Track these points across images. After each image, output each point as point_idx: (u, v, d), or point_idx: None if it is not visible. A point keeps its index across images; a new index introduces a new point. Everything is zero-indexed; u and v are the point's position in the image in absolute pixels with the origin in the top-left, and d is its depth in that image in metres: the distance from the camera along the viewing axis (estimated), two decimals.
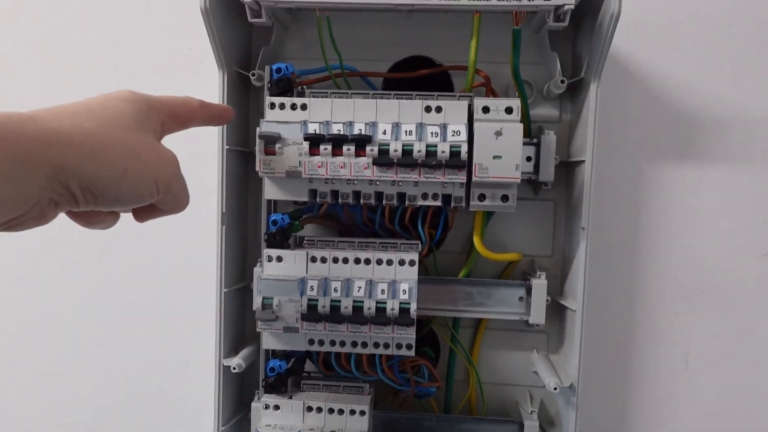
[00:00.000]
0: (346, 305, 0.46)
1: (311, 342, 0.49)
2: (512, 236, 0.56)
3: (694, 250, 0.57)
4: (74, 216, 0.32)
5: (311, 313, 0.46)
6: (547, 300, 0.51)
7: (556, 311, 0.55)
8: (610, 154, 0.56)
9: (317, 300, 0.46)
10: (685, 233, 0.56)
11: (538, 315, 0.51)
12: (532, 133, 0.52)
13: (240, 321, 0.57)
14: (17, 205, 0.26)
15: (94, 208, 0.30)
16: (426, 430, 0.54)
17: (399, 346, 0.48)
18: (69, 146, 0.27)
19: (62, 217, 0.30)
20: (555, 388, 0.49)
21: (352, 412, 0.49)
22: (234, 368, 0.51)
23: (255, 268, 0.49)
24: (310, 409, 0.50)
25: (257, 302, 0.47)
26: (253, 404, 0.52)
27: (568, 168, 0.54)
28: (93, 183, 0.28)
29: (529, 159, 0.51)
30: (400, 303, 0.46)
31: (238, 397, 0.57)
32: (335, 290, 0.47)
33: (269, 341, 0.49)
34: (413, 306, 0.46)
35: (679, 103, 0.56)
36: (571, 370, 0.51)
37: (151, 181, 0.31)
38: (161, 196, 0.32)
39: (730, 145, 0.56)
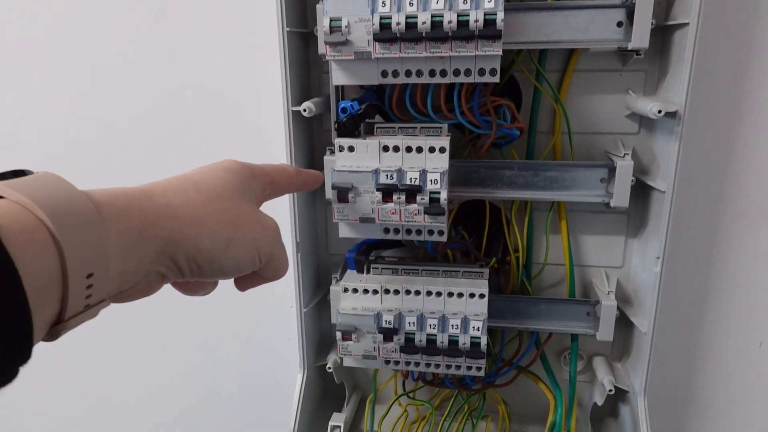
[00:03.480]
0: (424, 20, 0.41)
1: (384, 74, 0.45)
2: None
3: None
4: (176, 285, 0.32)
5: (384, 32, 0.42)
6: (652, 23, 0.44)
7: (659, 39, 0.48)
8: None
9: (390, 16, 0.41)
10: None
11: (640, 37, 0.44)
12: None
13: (305, 74, 0.54)
14: (128, 279, 0.26)
15: (198, 279, 0.30)
16: (507, 179, 0.51)
17: (482, 72, 0.43)
18: (177, 220, 0.27)
19: None
20: (659, 112, 0.44)
21: (432, 149, 0.46)
22: (304, 110, 0.49)
23: (318, 5, 0.44)
24: (386, 148, 0.47)
25: (325, 24, 0.42)
26: (325, 158, 0.51)
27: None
28: (199, 255, 0.28)
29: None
30: (485, 13, 0.40)
31: (309, 153, 0.56)
32: (410, 4, 0.41)
33: (339, 76, 0.45)
34: (500, 15, 0.40)
35: None
36: (677, 99, 0.45)
37: (254, 250, 0.31)
38: (263, 265, 0.32)
39: None
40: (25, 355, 0.20)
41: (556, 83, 0.52)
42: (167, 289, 0.31)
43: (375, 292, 0.51)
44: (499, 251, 0.56)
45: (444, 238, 0.48)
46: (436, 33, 0.41)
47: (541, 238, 0.56)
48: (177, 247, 0.27)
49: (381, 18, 0.42)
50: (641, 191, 0.51)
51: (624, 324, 0.56)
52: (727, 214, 0.55)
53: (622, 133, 0.52)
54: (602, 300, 0.52)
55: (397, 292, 0.51)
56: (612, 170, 0.49)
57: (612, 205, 0.49)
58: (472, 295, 0.50)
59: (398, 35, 0.42)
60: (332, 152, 0.50)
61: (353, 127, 0.48)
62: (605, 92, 0.51)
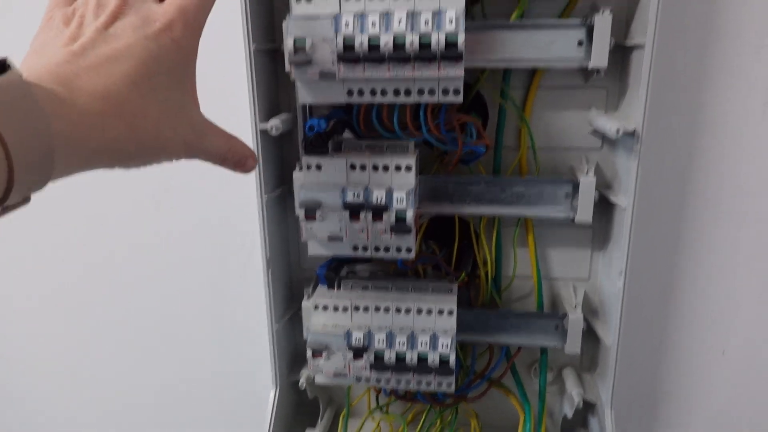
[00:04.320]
0: (386, 41, 0.41)
1: (350, 92, 0.45)
2: None
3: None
4: None
5: (348, 53, 0.42)
6: (611, 41, 0.45)
7: (619, 57, 0.50)
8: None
9: (354, 37, 0.42)
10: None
11: (599, 56, 0.45)
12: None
13: (273, 90, 0.54)
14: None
15: None
16: (475, 194, 0.52)
17: (446, 92, 0.44)
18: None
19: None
20: (618, 131, 0.45)
21: (398, 168, 0.47)
22: (271, 128, 0.49)
23: (284, 21, 0.45)
24: (353, 167, 0.47)
25: (289, 45, 0.43)
26: (294, 174, 0.51)
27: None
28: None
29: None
30: (447, 35, 0.41)
31: (279, 170, 0.56)
32: (373, 25, 0.42)
33: (305, 94, 0.46)
34: (461, 37, 0.41)
35: None
36: (636, 117, 0.47)
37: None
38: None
39: None
40: None
41: (521, 99, 0.53)
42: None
43: (345, 309, 0.51)
44: (468, 265, 0.56)
45: (412, 256, 0.48)
46: (399, 54, 0.42)
47: (509, 251, 0.56)
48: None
49: (345, 38, 0.42)
50: (605, 206, 0.52)
51: (592, 336, 0.56)
52: (688, 227, 0.57)
53: (587, 148, 0.53)
54: (569, 313, 0.53)
55: (366, 309, 0.51)
56: (576, 186, 0.50)
57: (576, 220, 0.50)
58: (440, 312, 0.50)
59: (362, 56, 0.42)
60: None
61: (321, 144, 0.48)
62: (569, 108, 0.52)
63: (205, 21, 0.33)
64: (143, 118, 0.29)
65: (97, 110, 0.27)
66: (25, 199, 0.25)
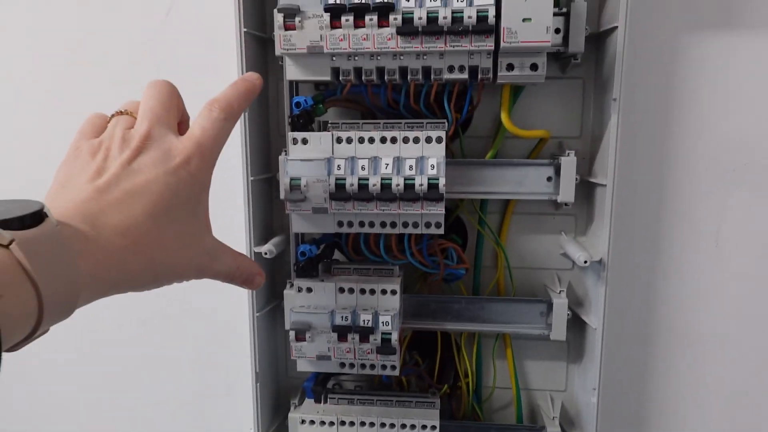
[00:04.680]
0: (374, 182, 0.46)
1: (340, 224, 0.49)
2: (540, 118, 0.55)
3: (729, 126, 0.55)
4: None
5: (339, 192, 0.46)
6: (577, 178, 0.51)
7: (585, 192, 0.55)
8: (644, 25, 0.53)
9: (345, 179, 0.46)
10: (720, 108, 0.54)
11: (567, 193, 0.50)
12: (561, 3, 0.50)
13: (268, 213, 0.58)
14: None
15: None
16: (455, 311, 0.55)
17: (428, 225, 0.48)
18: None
19: None
20: (585, 262, 0.49)
21: (384, 291, 0.50)
22: (265, 253, 0.52)
23: (280, 156, 0.49)
24: (341, 290, 0.51)
25: (285, 183, 0.47)
26: (285, 291, 0.53)
27: (598, 42, 0.52)
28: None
29: (558, 31, 0.48)
30: (429, 178, 0.46)
31: (270, 286, 0.59)
32: (362, 168, 0.46)
33: (298, 224, 0.50)
34: (442, 181, 0.45)
35: None
36: (601, 246, 0.51)
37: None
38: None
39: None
40: None
41: (497, 224, 0.57)
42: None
43: (332, 423, 0.53)
44: (450, 377, 0.59)
45: (396, 373, 0.51)
46: (386, 194, 0.46)
47: (490, 364, 0.59)
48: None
49: (336, 179, 0.46)
50: (577, 323, 0.56)
51: None
52: (654, 347, 0.60)
53: (559, 268, 0.57)
54: (548, 426, 0.55)
55: (353, 423, 0.53)
56: (550, 305, 0.53)
57: (551, 338, 0.53)
58: (424, 427, 0.52)
59: (352, 195, 0.46)
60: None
61: (311, 268, 0.52)
62: (542, 233, 0.57)
63: (218, 154, 0.36)
64: (161, 251, 0.32)
65: (120, 246, 0.29)
66: (45, 331, 0.27)
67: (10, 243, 0.24)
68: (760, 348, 0.58)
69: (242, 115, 0.50)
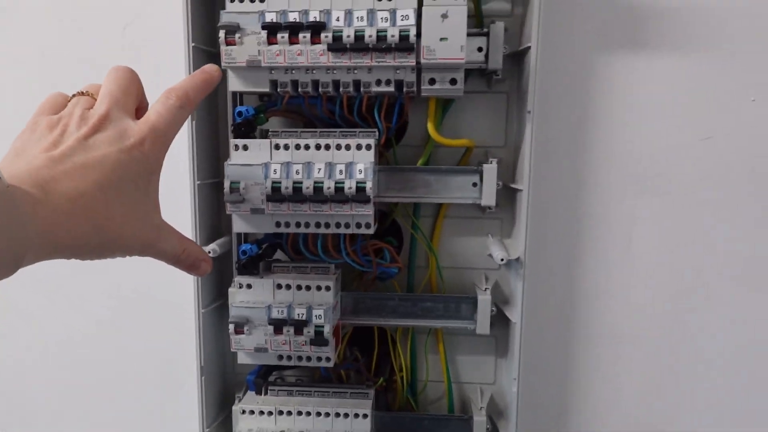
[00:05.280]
0: (308, 186, 0.50)
1: (278, 224, 0.53)
2: (469, 128, 0.59)
3: (639, 138, 0.60)
4: None
5: (275, 195, 0.50)
6: (499, 184, 0.55)
7: (509, 197, 0.59)
8: (559, 45, 0.59)
9: (280, 182, 0.50)
10: (631, 121, 0.60)
11: (489, 197, 0.55)
12: (484, 25, 0.55)
13: (216, 216, 0.61)
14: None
15: None
16: (390, 308, 0.59)
17: (358, 225, 0.52)
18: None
19: None
20: (502, 260, 0.54)
21: (318, 287, 0.54)
22: (209, 252, 0.56)
23: (225, 162, 0.53)
24: (279, 286, 0.54)
25: (226, 186, 0.50)
26: (230, 290, 0.57)
27: (519, 59, 0.57)
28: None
29: (480, 49, 0.53)
30: (357, 182, 0.50)
31: (219, 285, 0.62)
32: (297, 172, 0.50)
33: (239, 225, 0.53)
34: (369, 184, 0.50)
35: None
36: (520, 246, 0.56)
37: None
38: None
39: (672, 35, 0.58)
40: None
41: (430, 226, 0.61)
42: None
43: (270, 413, 0.56)
44: (386, 371, 0.62)
45: (330, 364, 0.54)
46: (318, 196, 0.50)
47: (424, 358, 0.63)
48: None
49: (273, 183, 0.50)
50: (504, 320, 0.60)
51: None
52: (578, 341, 0.65)
53: (487, 268, 0.62)
54: (475, 416, 0.59)
55: (290, 413, 0.56)
56: (477, 302, 0.58)
57: (477, 332, 0.58)
58: (356, 415, 0.56)
59: (287, 197, 0.50)
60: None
61: (252, 266, 0.55)
62: (471, 235, 0.61)
63: (172, 138, 0.38)
64: (107, 220, 0.33)
65: (68, 210, 0.31)
66: None
67: None
68: (667, 342, 0.64)
69: (191, 116, 0.54)
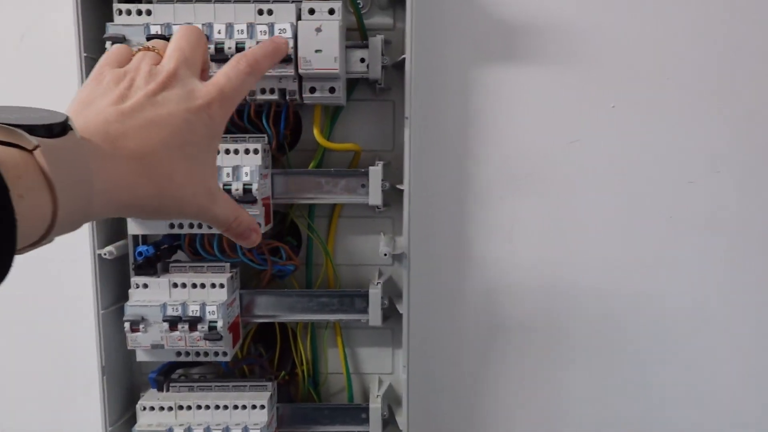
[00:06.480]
0: None
1: (171, 225, 0.55)
2: (358, 134, 0.63)
3: (515, 142, 0.66)
4: None
5: None
6: (385, 185, 0.59)
7: (397, 197, 0.63)
8: (437, 56, 0.64)
9: None
10: (507, 127, 0.65)
11: (375, 197, 0.59)
12: (366, 36, 0.59)
13: (119, 221, 0.63)
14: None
15: None
16: (288, 304, 0.62)
17: None
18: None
19: None
20: (385, 254, 0.58)
21: (213, 285, 0.57)
22: (105, 254, 0.57)
23: None
24: (175, 285, 0.56)
25: None
26: (130, 291, 0.59)
27: (402, 69, 0.62)
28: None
29: (362, 60, 0.57)
30: (244, 184, 0.53)
31: (119, 287, 0.64)
32: None
33: (134, 227, 0.55)
34: (255, 186, 0.53)
35: (499, 12, 0.64)
36: (405, 242, 0.60)
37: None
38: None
39: (540, 48, 0.64)
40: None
41: (326, 225, 0.65)
42: None
43: (170, 408, 0.59)
44: (288, 365, 0.65)
45: (227, 359, 0.57)
46: None
47: (324, 351, 0.66)
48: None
49: None
50: (396, 312, 0.64)
51: (394, 423, 0.66)
52: (466, 332, 0.70)
53: (382, 264, 0.66)
54: (371, 403, 0.63)
55: (189, 407, 0.58)
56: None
57: (370, 323, 0.61)
58: (254, 407, 0.59)
59: None
60: None
61: (149, 267, 0.57)
62: (366, 233, 0.65)
63: (237, 103, 0.38)
64: (169, 182, 0.33)
65: (134, 170, 0.31)
66: (50, 240, 0.28)
67: (35, 148, 0.25)
68: (545, 331, 0.69)
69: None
